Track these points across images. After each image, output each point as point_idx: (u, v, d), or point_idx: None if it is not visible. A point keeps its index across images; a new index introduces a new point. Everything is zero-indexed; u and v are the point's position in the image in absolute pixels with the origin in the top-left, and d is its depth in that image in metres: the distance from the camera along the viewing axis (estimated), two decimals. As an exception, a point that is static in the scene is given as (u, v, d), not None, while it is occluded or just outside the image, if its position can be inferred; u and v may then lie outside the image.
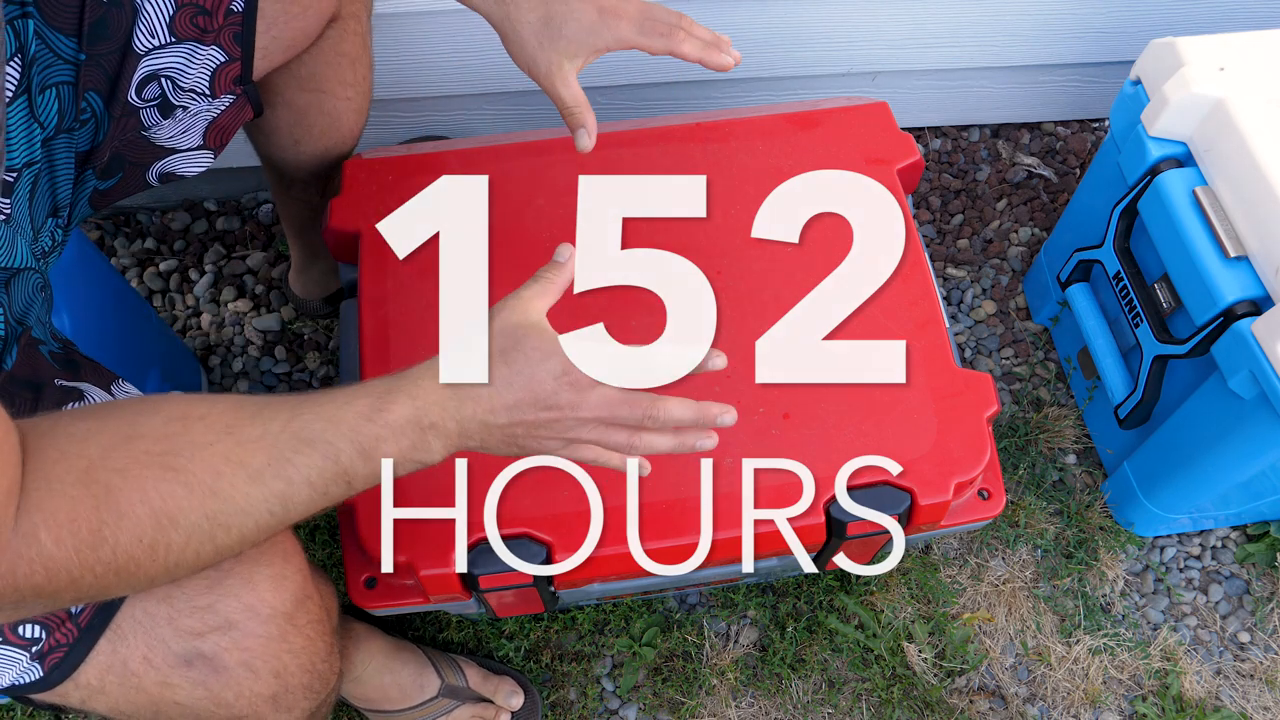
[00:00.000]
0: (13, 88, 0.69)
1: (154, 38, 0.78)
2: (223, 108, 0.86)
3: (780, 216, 1.01)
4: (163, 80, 0.80)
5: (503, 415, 0.64)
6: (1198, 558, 1.28)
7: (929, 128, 1.56)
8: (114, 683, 0.68)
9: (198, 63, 0.81)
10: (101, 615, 0.66)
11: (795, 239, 1.00)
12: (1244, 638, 1.23)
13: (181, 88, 0.82)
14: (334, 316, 1.39)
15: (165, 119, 0.84)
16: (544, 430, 0.65)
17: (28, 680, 0.67)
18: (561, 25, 0.78)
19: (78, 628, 0.66)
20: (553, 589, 0.91)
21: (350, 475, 0.61)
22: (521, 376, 0.64)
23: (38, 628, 0.66)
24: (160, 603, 0.67)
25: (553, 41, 0.79)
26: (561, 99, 0.82)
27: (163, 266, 1.43)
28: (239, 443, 0.57)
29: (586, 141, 0.83)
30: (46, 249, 0.80)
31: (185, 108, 0.84)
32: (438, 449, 0.64)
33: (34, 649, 0.66)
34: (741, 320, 0.95)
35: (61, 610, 0.66)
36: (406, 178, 1.03)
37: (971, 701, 1.17)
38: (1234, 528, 1.29)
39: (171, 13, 0.78)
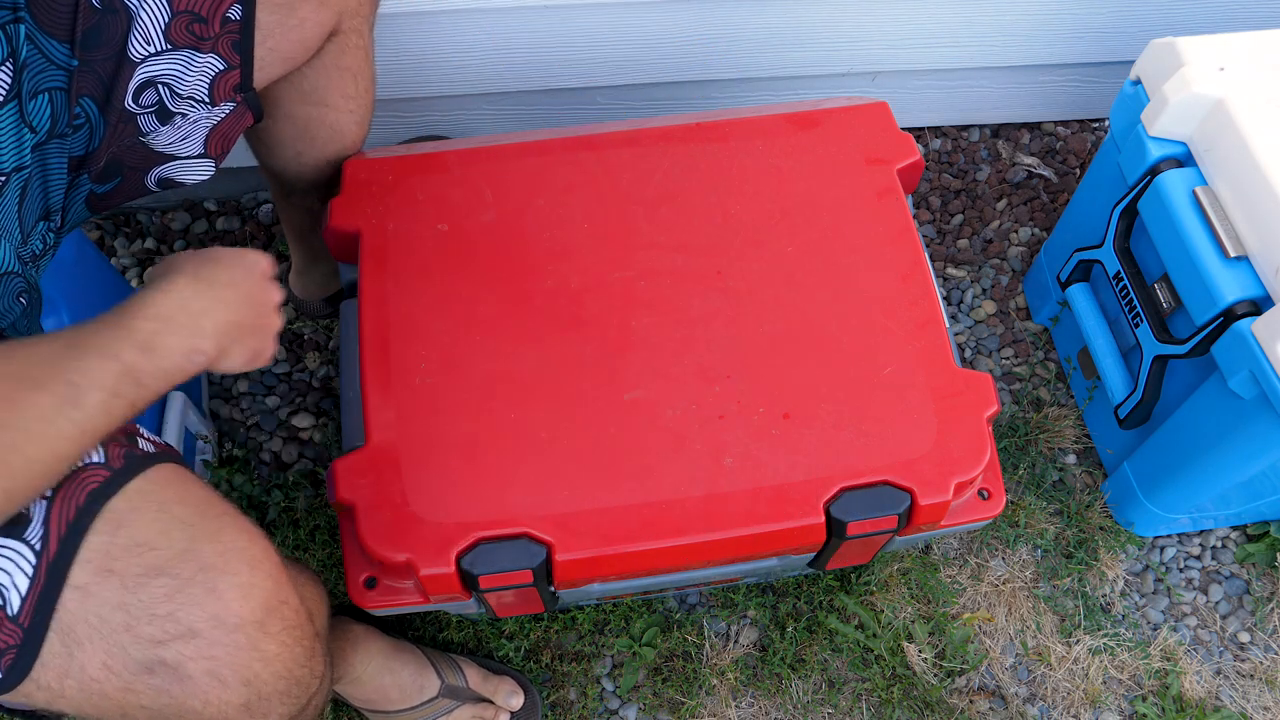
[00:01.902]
0: (3, 93, 0.68)
1: (149, 45, 0.78)
2: (223, 115, 0.86)
3: (780, 216, 1.02)
4: (160, 86, 0.80)
5: (259, 299, 0.76)
6: (1198, 558, 1.28)
7: (929, 128, 1.56)
8: (74, 688, 0.67)
9: (196, 70, 0.81)
10: (41, 613, 0.66)
11: (794, 239, 1.00)
12: (1244, 638, 1.23)
13: (180, 94, 0.82)
14: (334, 316, 1.39)
15: (164, 125, 0.83)
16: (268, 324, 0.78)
17: None
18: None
19: (20, 627, 0.66)
20: (553, 589, 0.91)
21: (137, 372, 0.65)
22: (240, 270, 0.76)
23: None
24: (115, 610, 0.67)
25: None
26: None
27: (163, 266, 1.43)
28: (11, 360, 0.61)
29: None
30: (37, 252, 0.80)
31: (184, 114, 0.84)
32: (209, 330, 0.70)
33: None
34: (741, 320, 0.95)
35: None
36: (406, 178, 1.03)
37: (971, 701, 1.17)
38: (1234, 528, 1.29)
39: (167, 20, 0.77)
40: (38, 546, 0.66)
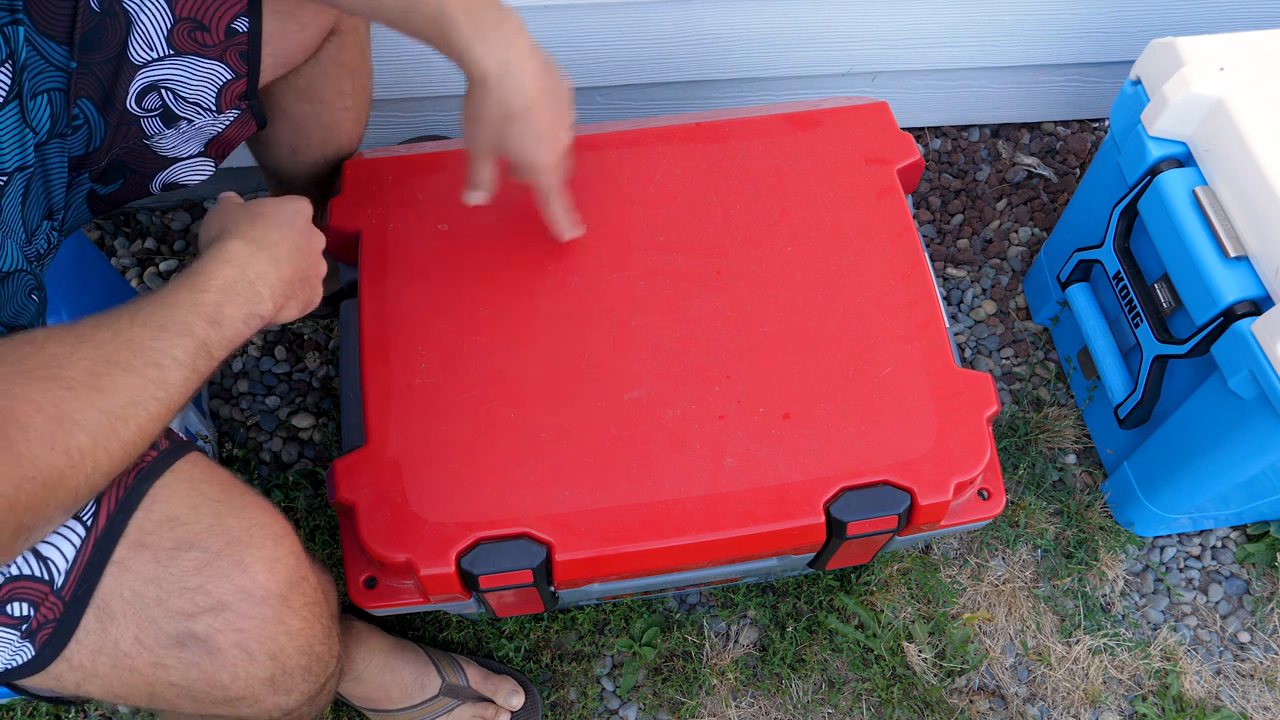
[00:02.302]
0: (3, 93, 0.69)
1: (151, 50, 0.78)
2: (227, 122, 0.87)
3: (780, 216, 1.02)
4: (163, 91, 0.81)
5: (306, 249, 0.79)
6: (1198, 558, 1.28)
7: (929, 128, 1.56)
8: (106, 664, 0.68)
9: (201, 76, 0.82)
10: (84, 586, 0.67)
11: (794, 239, 1.00)
12: (1244, 638, 1.23)
13: (185, 99, 0.82)
14: (334, 316, 1.39)
15: (169, 129, 0.84)
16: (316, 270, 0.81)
17: (21, 661, 0.67)
18: (508, 141, 0.84)
19: (62, 601, 0.67)
20: (553, 589, 0.91)
21: (209, 344, 0.68)
22: (289, 225, 0.79)
23: (25, 605, 0.66)
24: (148, 584, 0.67)
25: (493, 142, 0.85)
26: (477, 172, 0.90)
27: (163, 266, 1.43)
28: (96, 346, 0.62)
29: (478, 199, 0.91)
30: (41, 251, 0.80)
31: (189, 120, 0.84)
32: (266, 296, 0.73)
33: (24, 627, 0.66)
34: (741, 320, 0.95)
35: (42, 584, 0.66)
36: (406, 178, 1.03)
37: (971, 701, 1.17)
38: (1234, 528, 1.29)
39: (169, 26, 0.78)
40: (89, 522, 0.67)
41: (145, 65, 0.78)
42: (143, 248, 1.45)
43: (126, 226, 1.47)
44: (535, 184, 0.89)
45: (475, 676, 1.12)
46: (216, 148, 0.89)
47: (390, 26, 0.80)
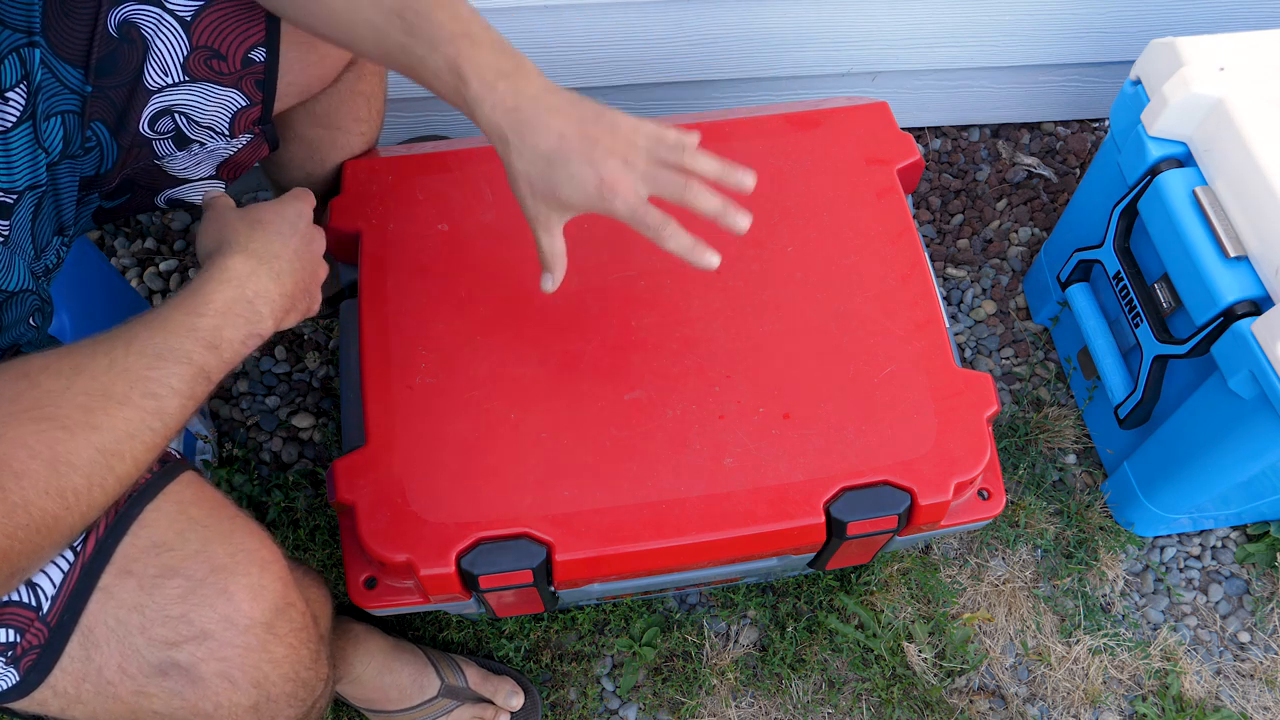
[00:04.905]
0: (17, 114, 0.69)
1: (167, 75, 0.78)
2: (240, 146, 0.87)
3: (780, 216, 1.02)
4: (176, 115, 0.81)
5: (307, 257, 0.78)
6: (1198, 558, 1.28)
7: (929, 128, 1.56)
8: (90, 691, 0.68)
9: (215, 102, 0.82)
10: (70, 612, 0.67)
11: (794, 239, 1.00)
12: (1244, 638, 1.23)
13: (198, 124, 0.82)
14: (334, 316, 1.39)
15: (180, 150, 0.84)
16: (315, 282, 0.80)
17: (5, 687, 0.67)
18: (557, 187, 0.74)
19: (47, 627, 0.66)
20: (553, 589, 0.91)
21: (207, 370, 0.67)
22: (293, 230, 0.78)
23: (11, 631, 0.66)
24: (132, 612, 0.67)
25: (546, 197, 0.75)
26: (541, 247, 0.79)
27: (163, 266, 1.43)
28: (93, 378, 0.61)
29: (549, 285, 0.82)
30: (50, 266, 0.80)
31: (201, 143, 0.84)
32: (266, 314, 0.72)
33: (8, 653, 0.66)
34: (741, 320, 0.95)
35: (29, 610, 0.66)
36: (406, 178, 1.03)
37: (971, 701, 1.17)
38: (1234, 528, 1.29)
39: (185, 54, 0.78)
40: (77, 547, 0.67)
41: (160, 90, 0.78)
42: (143, 248, 1.45)
43: (126, 226, 1.47)
44: (632, 222, 0.77)
45: (474, 677, 1.12)
46: (228, 170, 0.89)
47: (407, 76, 0.76)
